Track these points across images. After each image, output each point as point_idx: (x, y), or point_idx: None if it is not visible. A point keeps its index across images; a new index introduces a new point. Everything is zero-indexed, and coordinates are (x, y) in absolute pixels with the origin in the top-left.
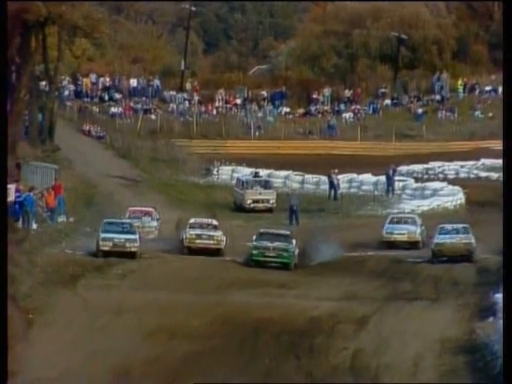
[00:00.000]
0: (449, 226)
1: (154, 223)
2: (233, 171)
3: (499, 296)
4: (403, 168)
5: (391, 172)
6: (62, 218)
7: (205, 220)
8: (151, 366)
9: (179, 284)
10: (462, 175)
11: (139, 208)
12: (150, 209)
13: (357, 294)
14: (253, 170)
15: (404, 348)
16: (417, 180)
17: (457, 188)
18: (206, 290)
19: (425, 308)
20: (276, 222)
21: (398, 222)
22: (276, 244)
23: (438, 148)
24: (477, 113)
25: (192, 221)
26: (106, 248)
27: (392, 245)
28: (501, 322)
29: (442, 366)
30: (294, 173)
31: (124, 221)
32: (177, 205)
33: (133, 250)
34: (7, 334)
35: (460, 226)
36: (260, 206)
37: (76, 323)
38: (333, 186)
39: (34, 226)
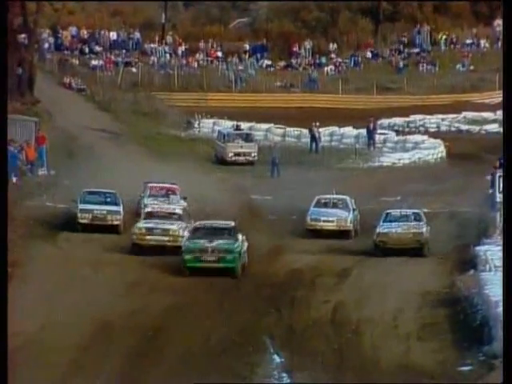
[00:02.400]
0: (396, 212)
1: (183, 203)
2: (214, 124)
3: (479, 249)
4: (384, 121)
5: (372, 125)
6: (42, 171)
7: (165, 207)
8: (132, 319)
9: None
10: (443, 128)
11: (161, 184)
12: (174, 185)
13: (337, 247)
14: (234, 123)
15: (384, 301)
16: (398, 133)
17: (438, 141)
18: None
19: (405, 262)
20: (257, 175)
21: (325, 205)
22: (216, 243)
23: (419, 101)
24: (458, 66)
25: (149, 209)
26: (85, 221)
27: (318, 234)
28: (481, 274)
29: (422, 319)
30: (275, 126)
31: (106, 191)
32: (159, 158)
33: (115, 223)
34: (7, 331)
35: (410, 211)
36: (241, 159)
37: (56, 276)
38: (314, 139)
39: (14, 179)
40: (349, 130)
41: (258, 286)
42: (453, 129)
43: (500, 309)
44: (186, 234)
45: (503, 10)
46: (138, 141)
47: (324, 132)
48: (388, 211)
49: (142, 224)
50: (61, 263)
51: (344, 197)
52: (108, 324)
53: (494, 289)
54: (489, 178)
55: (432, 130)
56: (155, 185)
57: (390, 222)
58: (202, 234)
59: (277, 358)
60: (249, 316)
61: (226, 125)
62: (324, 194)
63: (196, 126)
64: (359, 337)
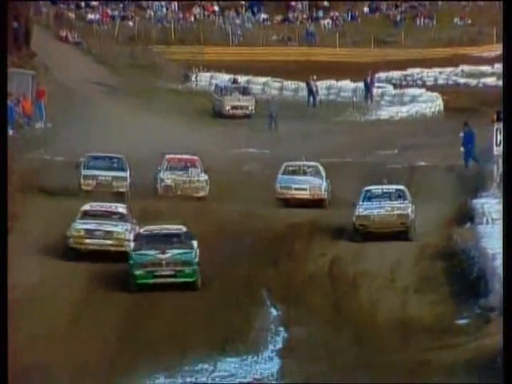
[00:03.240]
0: (377, 189)
1: (204, 176)
2: (211, 78)
3: (476, 202)
4: (382, 75)
5: (370, 79)
6: (39, 125)
7: (107, 205)
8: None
9: None
10: (441, 81)
11: (179, 156)
12: (194, 157)
13: (335, 199)
14: (231, 76)
15: (382, 255)
16: (395, 87)
17: (435, 94)
18: None
19: None
20: (255, 129)
21: (295, 173)
22: (171, 254)
23: (416, 55)
24: (456, 20)
25: (87, 207)
26: (89, 187)
27: (288, 203)
28: (478, 227)
29: (419, 272)
30: (273, 79)
31: (112, 155)
32: (156, 111)
33: (121, 190)
34: (7, 327)
35: (393, 188)
36: (239, 112)
37: (54, 230)
38: (311, 92)
39: (11, 131)
40: (346, 84)
41: (257, 240)
42: (450, 82)
43: (497, 261)
44: (132, 240)
45: (503, 10)
46: (135, 94)
47: (321, 85)
48: (368, 188)
49: (80, 225)
50: (57, 217)
51: (315, 164)
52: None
53: (491, 241)
54: (461, 135)
55: (429, 83)
56: (173, 156)
57: (370, 200)
58: (149, 242)
59: (274, 311)
60: (246, 269)
61: (224, 78)
62: (320, 147)
63: (193, 79)
64: (356, 290)
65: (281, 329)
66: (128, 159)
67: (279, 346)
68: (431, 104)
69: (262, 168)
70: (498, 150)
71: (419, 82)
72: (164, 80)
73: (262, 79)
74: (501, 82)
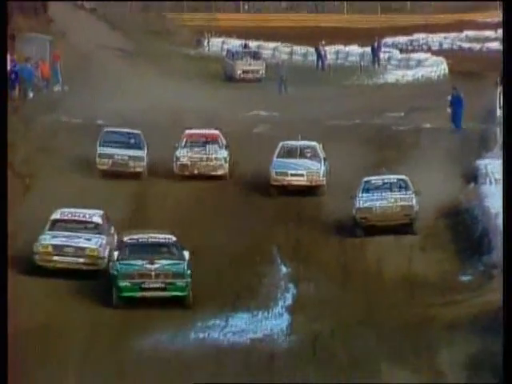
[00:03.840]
0: (378, 180)
1: (224, 152)
2: (223, 43)
3: (480, 163)
4: (388, 40)
5: (377, 44)
6: (57, 88)
7: (80, 213)
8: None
9: None
10: (446, 46)
11: (199, 131)
12: (215, 131)
13: (344, 160)
14: (242, 41)
15: None
16: (401, 51)
17: (440, 59)
18: None
19: (407, 173)
20: (265, 92)
21: (291, 154)
22: (160, 264)
23: (422, 20)
24: None
25: (57, 215)
26: (104, 167)
27: (284, 190)
28: (482, 187)
29: (423, 230)
30: (283, 44)
31: (130, 131)
32: (169, 75)
33: (138, 170)
34: (7, 327)
35: (394, 178)
36: (250, 76)
37: (71, 186)
38: (320, 57)
39: (31, 94)
40: (354, 49)
41: (267, 199)
42: (455, 47)
43: (499, 220)
44: (111, 253)
45: (503, 10)
46: (149, 59)
47: (330, 50)
48: (367, 179)
49: (48, 240)
50: (74, 174)
51: (313, 143)
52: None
53: (494, 201)
54: (449, 98)
55: (434, 48)
56: (193, 131)
57: (371, 192)
58: (135, 251)
59: (283, 269)
60: (257, 227)
61: (235, 43)
62: (329, 110)
63: (205, 44)
64: (364, 249)
65: (290, 285)
66: (142, 122)
67: (289, 302)
68: (436, 68)
69: (271, 130)
70: (500, 112)
71: (424, 47)
72: (177, 45)
73: (273, 44)
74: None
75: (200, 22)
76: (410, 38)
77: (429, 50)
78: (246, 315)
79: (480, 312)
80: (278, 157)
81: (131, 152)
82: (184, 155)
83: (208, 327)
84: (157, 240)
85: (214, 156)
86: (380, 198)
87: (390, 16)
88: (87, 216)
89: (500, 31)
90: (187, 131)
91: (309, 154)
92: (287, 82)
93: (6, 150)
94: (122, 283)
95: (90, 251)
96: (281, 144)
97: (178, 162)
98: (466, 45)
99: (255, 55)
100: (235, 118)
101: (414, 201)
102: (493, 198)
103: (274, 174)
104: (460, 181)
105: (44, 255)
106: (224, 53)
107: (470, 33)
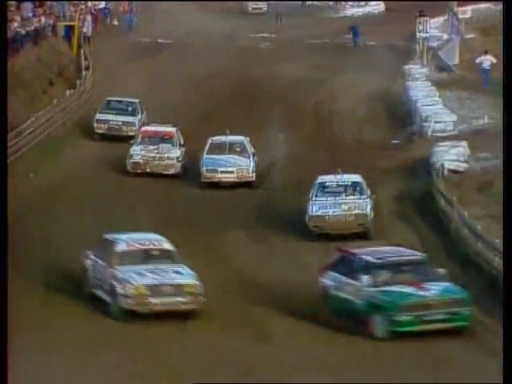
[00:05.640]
0: (332, 182)
1: (177, 152)
2: None
3: (405, 67)
4: None
5: None
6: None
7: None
8: None
9: None
10: None
11: (155, 128)
12: (171, 129)
13: (316, 64)
14: None
15: (348, 99)
16: None
17: (381, 2)
18: None
19: (356, 74)
20: (267, 22)
21: (220, 149)
22: (434, 289)
23: None
24: None
25: (124, 247)
26: (101, 131)
27: (215, 186)
28: (406, 83)
29: (370, 108)
30: None
31: (128, 100)
32: (204, 11)
33: (130, 133)
34: (7, 328)
35: (349, 181)
36: (257, 11)
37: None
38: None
39: (116, 22)
40: None
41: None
42: None
43: (418, 104)
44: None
45: (503, 10)
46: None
47: None
48: (321, 180)
49: (139, 281)
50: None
51: (241, 138)
52: None
53: (415, 91)
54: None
55: None
56: (149, 128)
57: (325, 196)
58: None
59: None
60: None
61: None
62: (308, 33)
63: None
64: (331, 121)
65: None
66: (185, 39)
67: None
68: (377, 7)
69: (271, 45)
70: (419, 36)
71: None
72: None
73: None
74: None
75: None
76: None
77: None
78: None
79: (404, 163)
80: (207, 153)
81: (124, 118)
82: (137, 153)
83: None
84: (406, 258)
85: (166, 155)
86: (334, 205)
87: None
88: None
89: None
90: (143, 128)
91: (238, 149)
92: (282, 16)
93: (6, 149)
94: (402, 317)
95: (188, 287)
96: (210, 140)
97: (131, 160)
98: None
99: None
100: (248, 37)
101: (369, 207)
102: (414, 90)
103: (205, 171)
104: (391, 78)
105: (138, 297)
106: None
107: None
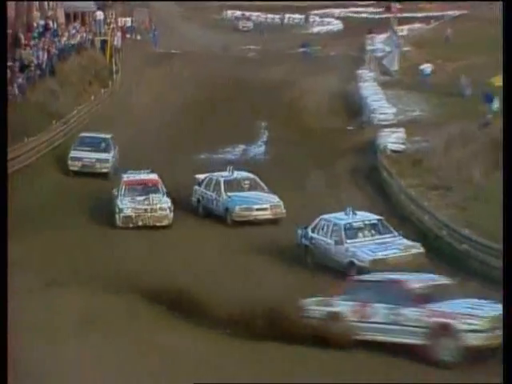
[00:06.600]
0: (358, 222)
1: (167, 201)
2: (233, 13)
3: (359, 71)
4: (316, 11)
5: (306, 15)
6: (151, 34)
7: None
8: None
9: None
10: (342, 15)
11: (137, 177)
12: (154, 177)
13: (289, 70)
14: (242, 12)
15: (314, 96)
16: (320, 17)
17: (339, 21)
18: None
19: (325, 77)
20: (253, 36)
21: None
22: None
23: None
24: None
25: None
26: (75, 168)
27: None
28: (359, 84)
29: (330, 104)
30: (262, 13)
31: (102, 136)
32: (204, 27)
33: (104, 170)
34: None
35: (373, 218)
36: (245, 28)
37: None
38: (282, 19)
39: (138, 37)
40: (296, 16)
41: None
42: (349, 14)
43: (368, 100)
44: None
45: (503, 10)
46: (194, 20)
47: (287, 16)
48: (346, 222)
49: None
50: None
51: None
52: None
53: (366, 91)
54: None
55: (337, 15)
56: (131, 179)
57: (358, 236)
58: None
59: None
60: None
61: (238, 13)
62: (285, 46)
63: (224, 13)
64: (302, 113)
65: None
66: (189, 48)
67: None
68: (337, 25)
69: (256, 55)
70: (368, 48)
71: (332, 15)
72: (209, 13)
73: (256, 13)
74: None
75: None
76: (324, 11)
77: (333, 16)
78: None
79: (357, 144)
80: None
81: (98, 155)
82: (127, 206)
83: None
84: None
85: (158, 206)
86: (390, 247)
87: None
88: None
89: None
90: (125, 178)
91: (248, 185)
92: (264, 31)
93: (6, 150)
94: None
95: None
96: (221, 179)
97: (122, 214)
98: (352, 14)
99: (248, 18)
100: (238, 48)
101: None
102: (364, 89)
103: (238, 209)
104: (347, 80)
105: None
106: (233, 17)
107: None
